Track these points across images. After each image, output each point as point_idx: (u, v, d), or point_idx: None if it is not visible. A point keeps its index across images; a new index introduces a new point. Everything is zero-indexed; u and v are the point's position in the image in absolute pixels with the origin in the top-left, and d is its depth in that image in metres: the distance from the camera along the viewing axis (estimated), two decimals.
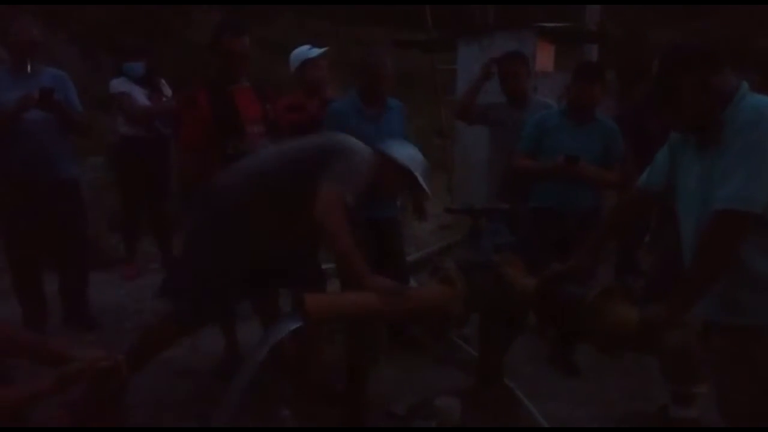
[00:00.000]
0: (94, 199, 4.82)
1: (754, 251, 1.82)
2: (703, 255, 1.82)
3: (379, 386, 2.94)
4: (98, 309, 3.98)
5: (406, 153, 2.59)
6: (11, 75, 3.43)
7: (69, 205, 3.61)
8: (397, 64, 3.72)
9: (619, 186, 3.24)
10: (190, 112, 2.96)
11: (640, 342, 1.96)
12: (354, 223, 2.55)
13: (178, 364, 3.33)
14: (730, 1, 9.29)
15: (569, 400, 3.04)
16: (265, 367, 2.21)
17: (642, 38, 9.54)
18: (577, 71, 3.44)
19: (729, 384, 1.94)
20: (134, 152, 4.42)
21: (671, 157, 2.05)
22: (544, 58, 5.85)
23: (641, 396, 3.08)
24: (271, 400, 2.80)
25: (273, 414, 2.74)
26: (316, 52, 3.67)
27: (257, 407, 2.68)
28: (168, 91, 4.70)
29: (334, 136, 2.65)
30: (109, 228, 4.25)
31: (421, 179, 2.55)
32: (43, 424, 1.94)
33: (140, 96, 4.40)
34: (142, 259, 4.87)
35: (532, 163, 3.42)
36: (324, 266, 4.07)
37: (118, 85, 4.43)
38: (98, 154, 5.25)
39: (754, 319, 1.85)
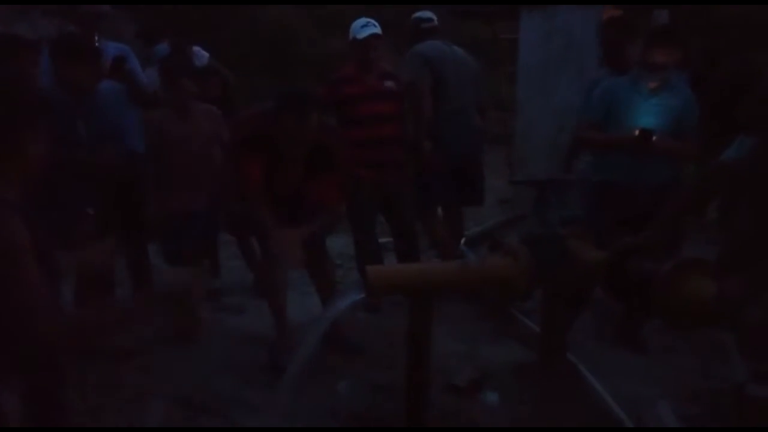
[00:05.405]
0: None
1: None
2: None
3: (439, 359, 2.93)
4: None
5: None
6: None
7: (135, 177, 3.55)
8: (458, 36, 3.64)
9: (695, 158, 3.06)
10: None
11: (717, 317, 1.88)
12: None
13: (245, 330, 3.43)
14: None
15: (636, 378, 2.96)
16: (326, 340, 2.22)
17: (715, 12, 9.01)
18: (649, 34, 3.26)
19: None
20: None
21: None
22: None
23: (711, 374, 2.98)
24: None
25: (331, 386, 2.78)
26: (366, 33, 3.58)
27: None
28: (203, 58, 4.54)
29: None
30: None
31: None
32: None
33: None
34: None
35: (600, 134, 3.23)
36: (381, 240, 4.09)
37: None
38: None
39: None
